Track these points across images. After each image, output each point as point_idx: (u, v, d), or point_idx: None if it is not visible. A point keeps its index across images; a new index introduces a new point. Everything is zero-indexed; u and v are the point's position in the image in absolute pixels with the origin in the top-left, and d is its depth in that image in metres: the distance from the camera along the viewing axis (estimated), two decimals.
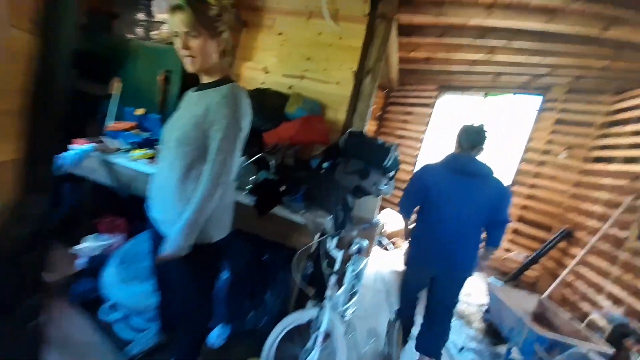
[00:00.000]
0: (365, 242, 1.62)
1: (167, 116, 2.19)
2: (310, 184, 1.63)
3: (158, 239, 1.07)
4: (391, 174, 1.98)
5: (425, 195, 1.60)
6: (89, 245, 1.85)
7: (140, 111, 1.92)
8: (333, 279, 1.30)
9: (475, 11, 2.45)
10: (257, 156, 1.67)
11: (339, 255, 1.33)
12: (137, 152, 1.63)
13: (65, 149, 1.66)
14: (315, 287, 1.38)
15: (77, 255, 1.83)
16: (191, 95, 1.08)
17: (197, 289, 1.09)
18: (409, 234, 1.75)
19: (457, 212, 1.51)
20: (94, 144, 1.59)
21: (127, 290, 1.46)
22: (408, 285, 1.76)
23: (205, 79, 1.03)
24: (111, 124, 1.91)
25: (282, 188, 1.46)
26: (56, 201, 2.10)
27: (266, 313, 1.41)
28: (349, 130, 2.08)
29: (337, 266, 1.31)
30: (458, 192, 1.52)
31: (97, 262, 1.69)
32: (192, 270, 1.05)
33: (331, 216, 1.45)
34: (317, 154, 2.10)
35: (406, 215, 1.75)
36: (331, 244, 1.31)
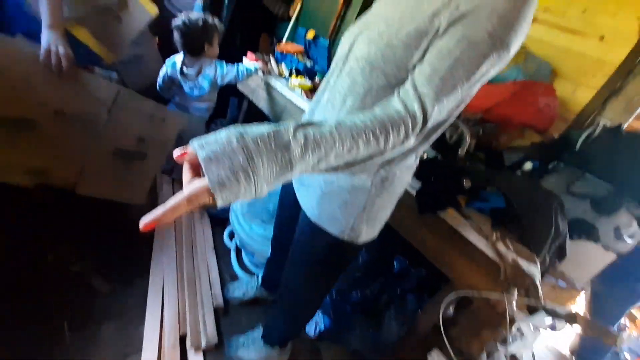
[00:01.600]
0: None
1: (336, 45, 1.89)
2: (506, 191, 1.00)
3: (288, 194, 0.81)
4: None
5: None
6: None
7: (311, 34, 1.65)
8: None
9: None
10: None
11: (531, 336, 0.75)
12: (296, 80, 1.40)
13: (240, 60, 1.62)
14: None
15: None
16: None
17: (316, 281, 0.82)
18: None
19: None
20: (259, 64, 1.45)
21: (247, 226, 1.37)
22: None
23: None
24: (281, 45, 1.74)
25: (467, 183, 0.90)
26: (224, 111, 2.28)
27: (379, 339, 1.03)
28: (602, 123, 1.19)
29: (523, 351, 0.75)
30: None
31: None
32: (320, 262, 0.75)
33: (537, 262, 0.82)
34: (518, 146, 1.35)
35: None
36: (532, 316, 0.73)
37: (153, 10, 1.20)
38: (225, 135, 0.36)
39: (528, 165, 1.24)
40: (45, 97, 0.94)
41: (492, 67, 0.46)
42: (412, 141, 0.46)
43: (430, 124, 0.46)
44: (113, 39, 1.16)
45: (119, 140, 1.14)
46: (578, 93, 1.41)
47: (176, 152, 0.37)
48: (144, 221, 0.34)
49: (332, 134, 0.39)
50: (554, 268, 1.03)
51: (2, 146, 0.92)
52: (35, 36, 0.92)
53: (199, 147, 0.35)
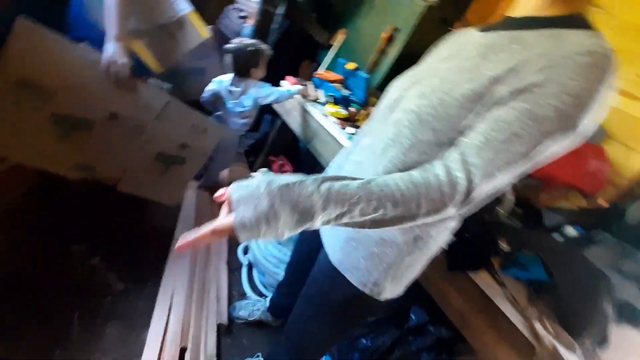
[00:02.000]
0: None
1: (375, 79, 1.91)
2: (545, 257, 0.92)
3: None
4: None
5: None
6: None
7: (351, 65, 1.69)
8: None
9: None
10: None
11: None
12: (331, 108, 1.42)
13: (278, 84, 1.68)
14: None
15: None
16: (470, 40, 0.53)
17: (327, 328, 0.75)
18: None
19: None
20: (299, 87, 1.50)
21: (262, 245, 1.36)
22: None
23: (525, 11, 0.48)
24: (320, 72, 1.79)
25: (504, 245, 0.84)
26: (257, 126, 2.35)
27: None
28: None
29: None
30: None
31: None
32: (335, 311, 0.70)
33: (577, 351, 0.73)
34: (560, 207, 1.26)
35: None
36: None
37: (205, 33, 1.29)
38: (256, 182, 0.40)
39: (571, 231, 1.14)
40: (104, 101, 1.01)
41: (555, 144, 0.42)
42: (451, 211, 0.43)
43: (476, 195, 0.43)
44: (163, 54, 1.25)
45: (162, 145, 1.20)
46: (632, 159, 1.31)
47: (218, 193, 0.42)
48: (179, 244, 0.40)
49: (358, 190, 0.41)
50: (593, 354, 0.92)
51: (59, 140, 1.00)
52: (93, 41, 0.98)
53: (235, 189, 0.40)
